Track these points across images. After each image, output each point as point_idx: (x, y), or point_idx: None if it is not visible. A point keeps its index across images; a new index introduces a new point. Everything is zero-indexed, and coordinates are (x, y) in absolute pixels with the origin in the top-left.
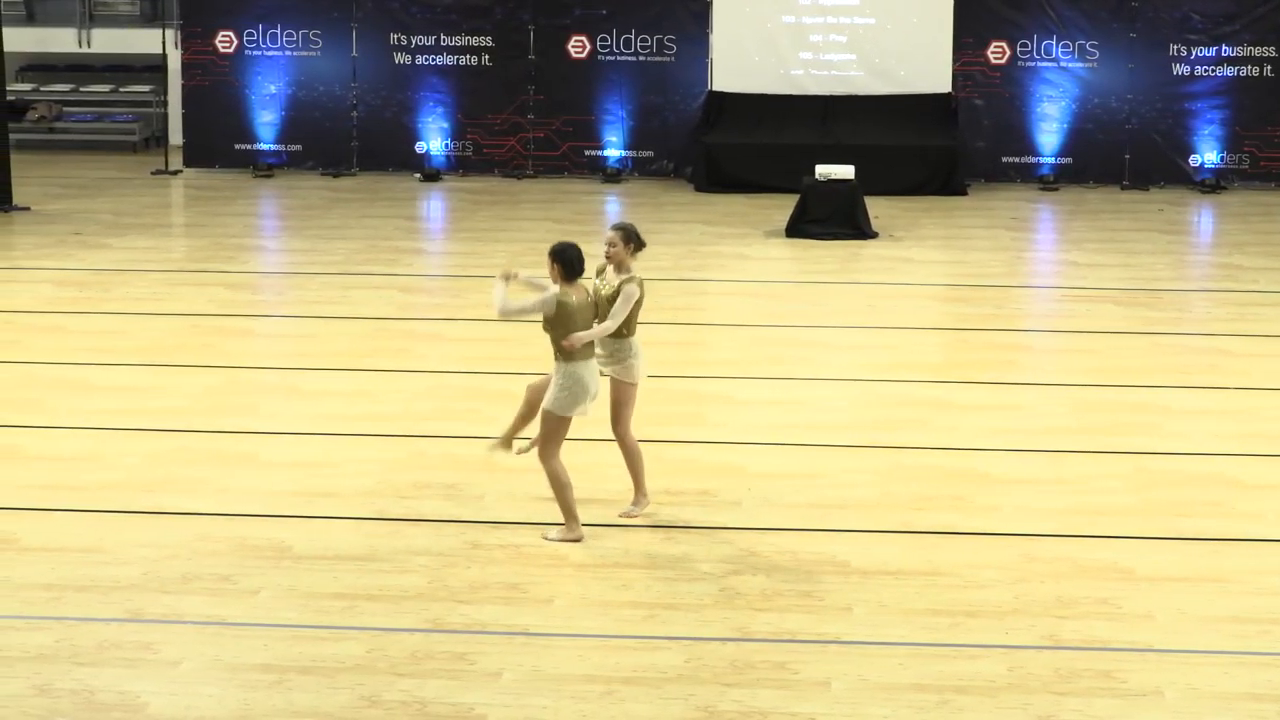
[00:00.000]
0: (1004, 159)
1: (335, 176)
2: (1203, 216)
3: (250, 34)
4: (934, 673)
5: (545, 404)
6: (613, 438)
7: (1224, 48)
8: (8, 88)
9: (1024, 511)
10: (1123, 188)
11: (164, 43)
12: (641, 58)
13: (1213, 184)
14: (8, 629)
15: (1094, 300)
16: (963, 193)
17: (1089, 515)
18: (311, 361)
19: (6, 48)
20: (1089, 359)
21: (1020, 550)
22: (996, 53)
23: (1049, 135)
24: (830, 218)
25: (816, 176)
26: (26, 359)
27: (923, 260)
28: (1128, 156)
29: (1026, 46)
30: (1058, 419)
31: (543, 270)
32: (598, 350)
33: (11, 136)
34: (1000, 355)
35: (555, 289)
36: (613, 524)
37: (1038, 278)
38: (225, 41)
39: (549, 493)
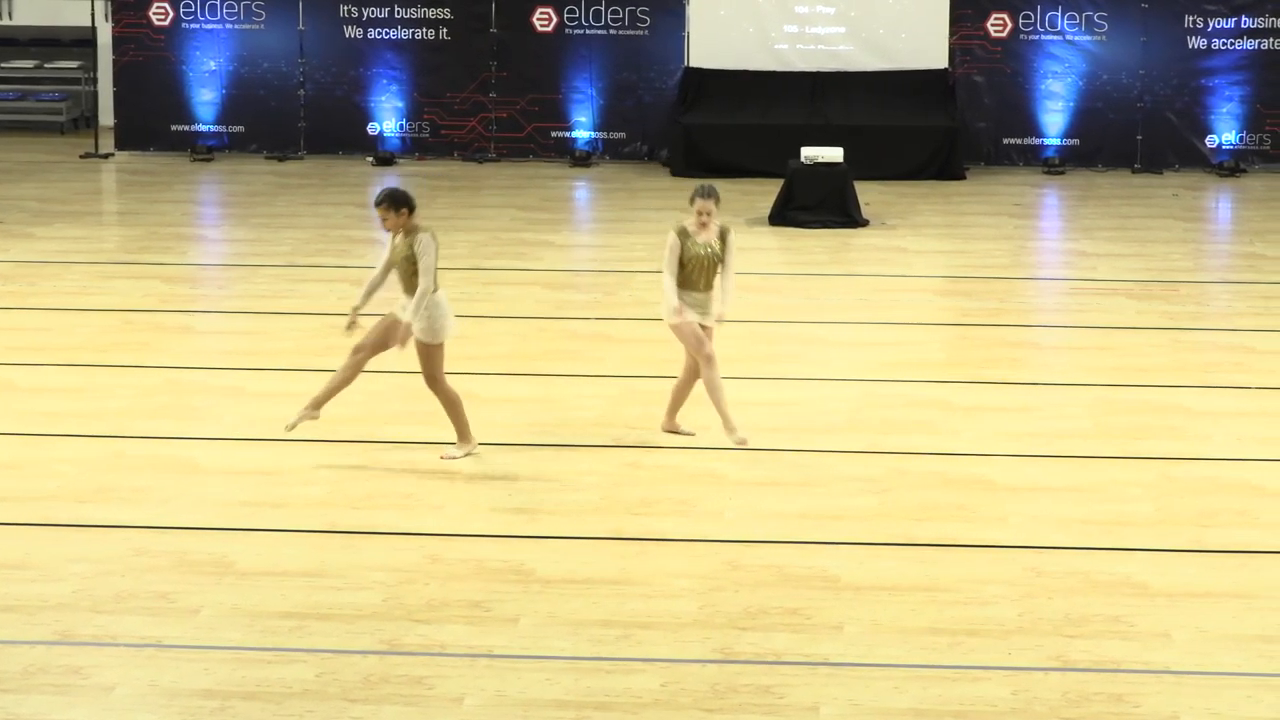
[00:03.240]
0: (1006, 140)
1: (281, 160)
2: (1221, 202)
3: (188, 6)
4: (932, 696)
5: (421, 336)
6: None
7: (1244, 19)
8: None
9: (1032, 522)
10: (1135, 171)
11: (93, 15)
12: (613, 31)
13: (1232, 166)
14: None
15: (1106, 293)
16: (962, 177)
17: (1102, 526)
18: (257, 361)
19: None
20: (1102, 357)
21: (1027, 564)
22: (997, 25)
23: (1055, 114)
24: (818, 204)
25: (803, 160)
26: None
27: (919, 250)
28: (1140, 137)
29: (1030, 18)
30: (1069, 422)
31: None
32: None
33: None
34: (1006, 353)
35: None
36: (584, 536)
37: (1044, 269)
38: (160, 14)
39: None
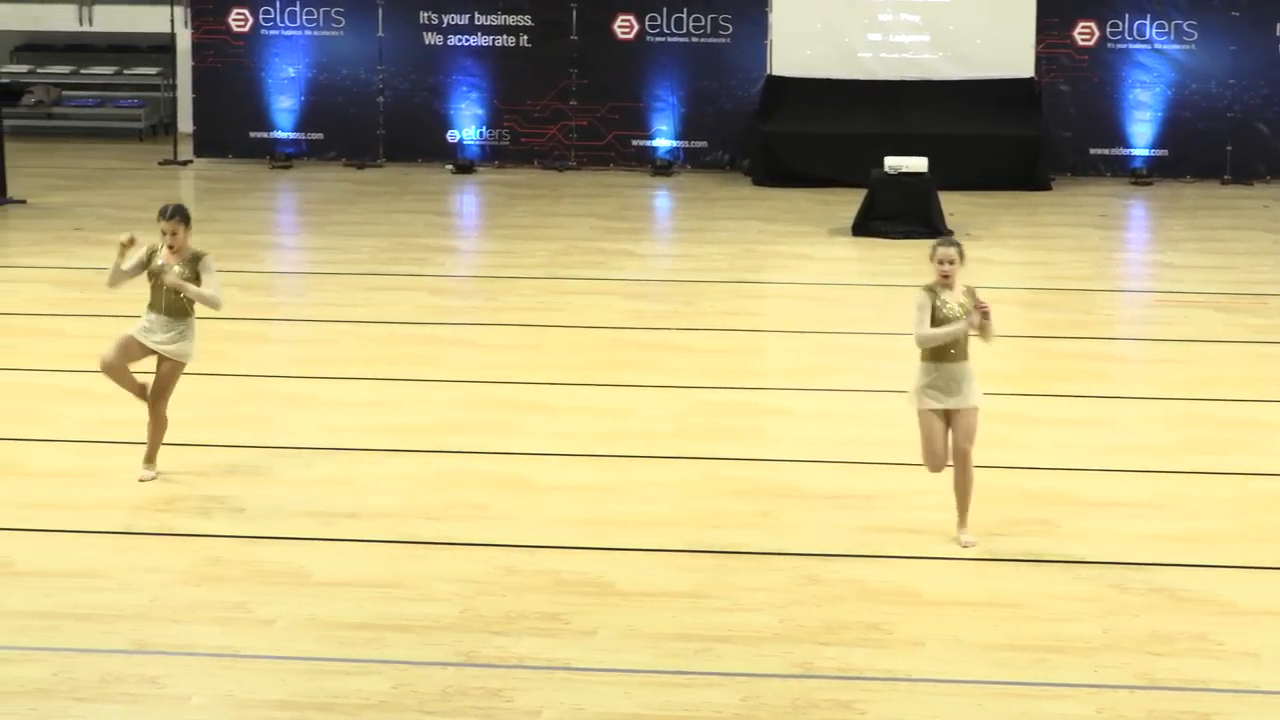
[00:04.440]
0: (1092, 150)
1: (360, 168)
2: None
3: (267, 11)
4: (1015, 713)
5: (184, 357)
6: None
7: None
8: (2, 69)
9: (1114, 537)
10: (1223, 182)
11: (172, 21)
12: (694, 39)
13: None
14: (0, 660)
15: (1191, 305)
16: (1046, 187)
17: (1186, 542)
18: (331, 369)
19: (1, 25)
20: (1186, 370)
21: (1110, 580)
22: (1084, 33)
23: (1142, 124)
24: (901, 214)
25: (886, 169)
26: (22, 365)
27: (1002, 261)
28: (1229, 148)
29: (1117, 26)
30: (1152, 436)
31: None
32: (160, 330)
33: (6, 123)
34: (1088, 365)
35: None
36: (657, 548)
37: (1129, 281)
38: (240, 19)
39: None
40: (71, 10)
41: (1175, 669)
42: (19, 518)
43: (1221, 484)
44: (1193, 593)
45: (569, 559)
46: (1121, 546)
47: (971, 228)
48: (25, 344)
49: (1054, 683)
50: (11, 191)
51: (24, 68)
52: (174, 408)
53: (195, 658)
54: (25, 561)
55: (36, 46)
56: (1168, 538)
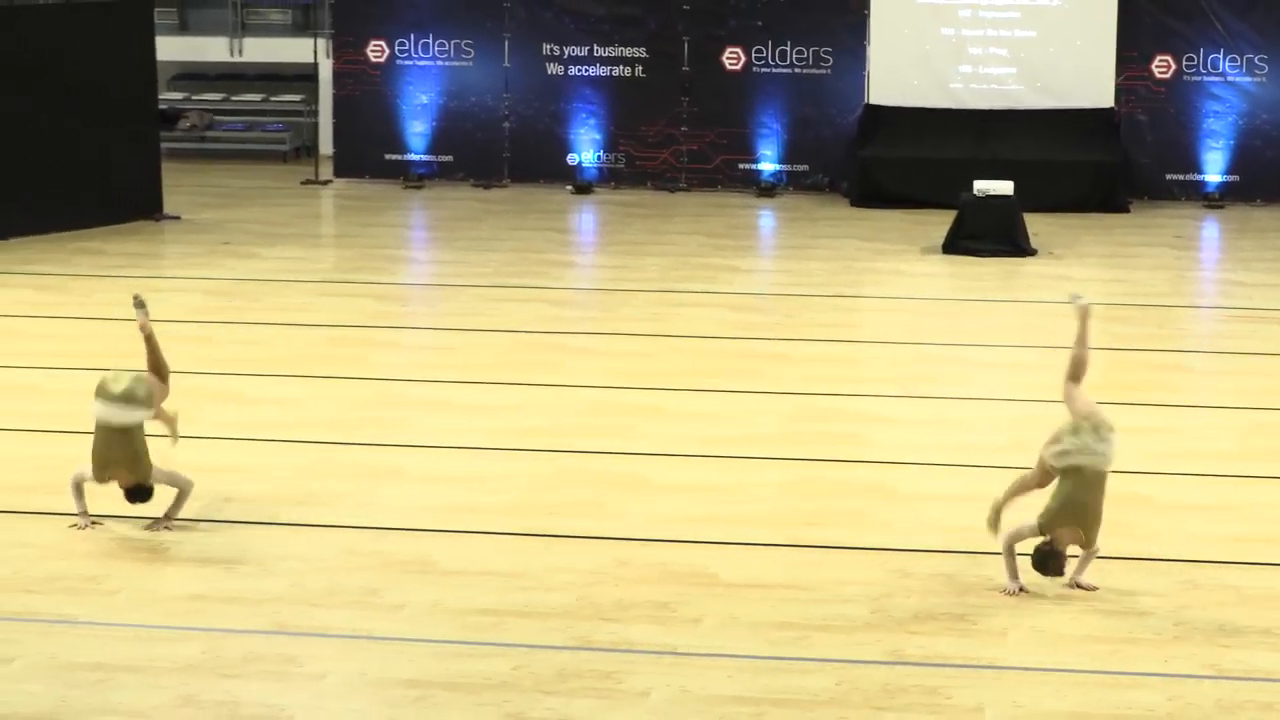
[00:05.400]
0: (1168, 176)
1: (486, 188)
2: None
3: (402, 43)
4: (1091, 701)
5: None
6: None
7: None
8: (160, 96)
9: (1186, 537)
10: None
11: (315, 52)
12: (797, 70)
13: None
14: (154, 639)
15: (1261, 321)
16: (1125, 210)
17: (1255, 542)
18: (459, 374)
19: (159, 56)
20: (1255, 381)
21: (1182, 577)
22: (1161, 67)
23: (1215, 152)
24: (989, 234)
25: (975, 192)
26: (174, 369)
27: (1083, 278)
28: None
29: (1193, 60)
30: (1222, 442)
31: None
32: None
33: (163, 145)
34: (1162, 376)
35: None
36: (759, 543)
37: (1202, 297)
38: (377, 51)
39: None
40: (224, 42)
41: (1242, 661)
42: None
43: None
44: (1259, 589)
45: (677, 552)
46: (1192, 546)
47: (1054, 247)
48: (177, 349)
49: (1128, 672)
50: (167, 208)
51: (180, 95)
52: (313, 407)
53: (331, 639)
54: (176, 548)
55: (191, 76)
56: (1236, 538)
